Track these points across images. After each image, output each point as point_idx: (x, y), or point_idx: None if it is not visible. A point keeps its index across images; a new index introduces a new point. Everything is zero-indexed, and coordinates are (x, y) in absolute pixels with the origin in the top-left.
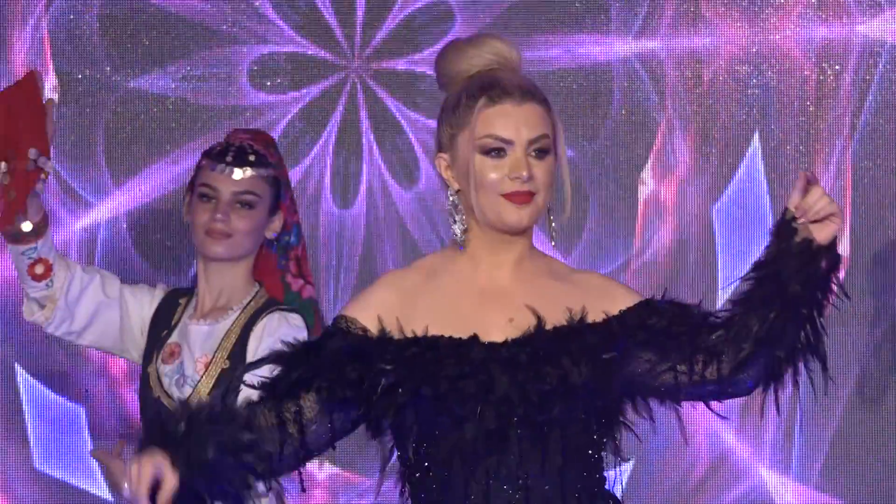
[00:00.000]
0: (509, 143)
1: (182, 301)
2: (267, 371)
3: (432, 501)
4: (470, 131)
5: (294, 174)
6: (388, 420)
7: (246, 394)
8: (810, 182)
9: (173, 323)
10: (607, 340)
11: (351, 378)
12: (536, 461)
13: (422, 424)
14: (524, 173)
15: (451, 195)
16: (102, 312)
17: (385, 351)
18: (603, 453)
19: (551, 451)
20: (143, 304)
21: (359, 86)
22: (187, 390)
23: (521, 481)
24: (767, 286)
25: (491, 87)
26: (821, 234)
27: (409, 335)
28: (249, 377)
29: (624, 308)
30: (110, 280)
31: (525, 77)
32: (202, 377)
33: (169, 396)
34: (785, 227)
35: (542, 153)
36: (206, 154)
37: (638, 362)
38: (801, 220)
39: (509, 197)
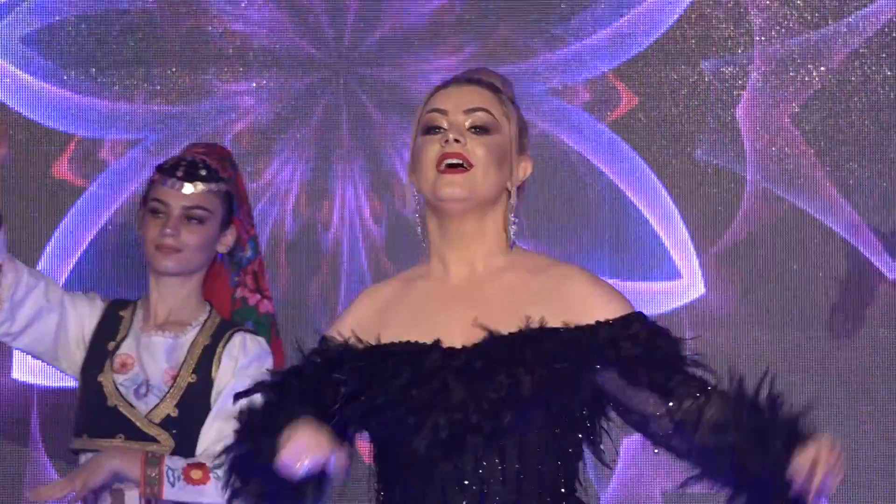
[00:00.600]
0: (444, 112)
1: (123, 313)
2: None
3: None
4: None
5: (268, 172)
6: (353, 428)
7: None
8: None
9: (121, 335)
10: (566, 348)
11: (322, 398)
12: (493, 469)
13: (380, 432)
14: (451, 135)
15: (415, 195)
16: (42, 317)
17: (344, 362)
18: (577, 460)
19: (508, 459)
20: (82, 314)
21: (342, 89)
22: (152, 399)
23: (476, 488)
24: (736, 470)
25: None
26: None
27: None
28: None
29: (601, 319)
30: (53, 286)
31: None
32: (170, 389)
33: (130, 405)
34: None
35: (480, 130)
36: (158, 168)
37: (605, 377)
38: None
39: (443, 170)
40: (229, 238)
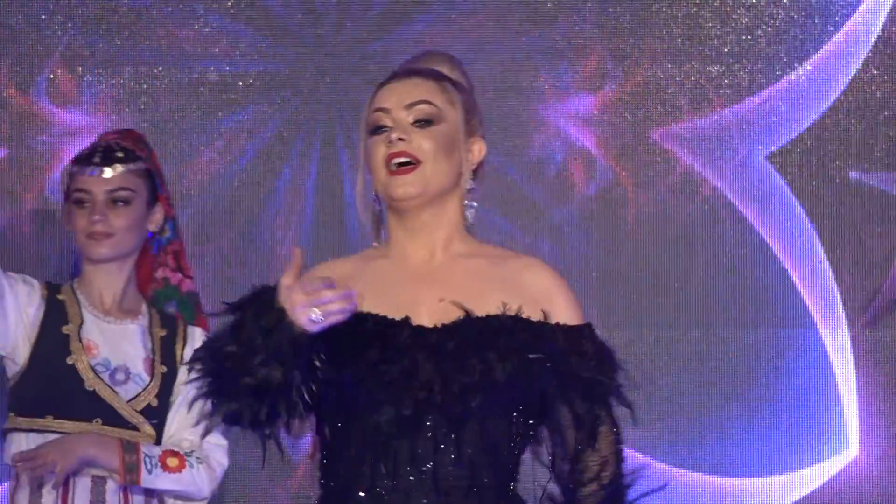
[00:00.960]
0: (386, 110)
1: (62, 298)
2: None
3: (343, 479)
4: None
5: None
6: (308, 396)
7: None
8: None
9: (75, 320)
10: (538, 339)
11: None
12: (449, 450)
13: (342, 403)
14: (394, 135)
15: (374, 195)
16: None
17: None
18: (521, 455)
19: (464, 442)
20: (20, 294)
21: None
22: (132, 387)
23: (427, 467)
24: None
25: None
26: None
27: None
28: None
29: (561, 321)
30: None
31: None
32: (152, 379)
33: (112, 389)
34: None
35: (423, 123)
36: (75, 159)
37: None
38: None
39: (392, 171)
40: (158, 216)
